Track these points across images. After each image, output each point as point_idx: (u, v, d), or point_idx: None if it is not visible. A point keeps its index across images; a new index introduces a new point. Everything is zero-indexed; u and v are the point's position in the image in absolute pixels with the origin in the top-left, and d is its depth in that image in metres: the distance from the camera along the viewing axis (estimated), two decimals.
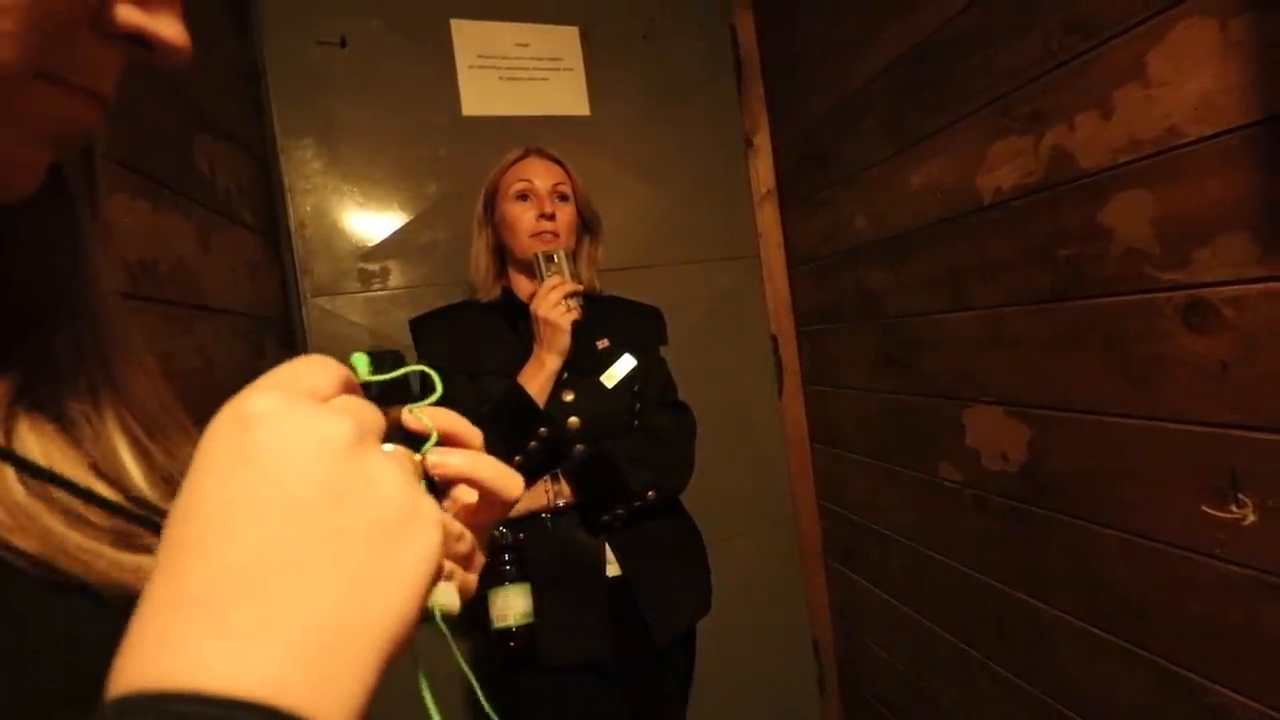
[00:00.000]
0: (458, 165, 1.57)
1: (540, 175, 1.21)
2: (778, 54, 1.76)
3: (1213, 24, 0.74)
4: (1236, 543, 0.78)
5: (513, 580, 1.07)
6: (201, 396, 0.93)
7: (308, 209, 1.47)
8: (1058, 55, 0.93)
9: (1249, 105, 0.72)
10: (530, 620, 1.08)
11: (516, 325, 1.21)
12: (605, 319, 1.26)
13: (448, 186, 1.56)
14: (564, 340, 1.12)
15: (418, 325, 1.23)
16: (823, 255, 1.65)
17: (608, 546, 1.18)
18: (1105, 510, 0.96)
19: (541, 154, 1.25)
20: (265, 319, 1.26)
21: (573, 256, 1.22)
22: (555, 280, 1.14)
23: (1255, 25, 0.70)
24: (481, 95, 1.59)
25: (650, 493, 1.16)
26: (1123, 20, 0.83)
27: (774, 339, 1.84)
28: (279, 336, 1.33)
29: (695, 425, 1.28)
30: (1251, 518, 0.76)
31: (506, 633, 1.06)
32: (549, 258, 1.16)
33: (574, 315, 1.13)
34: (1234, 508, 0.78)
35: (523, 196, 1.20)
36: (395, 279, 1.52)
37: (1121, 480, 0.93)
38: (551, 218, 1.19)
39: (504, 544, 1.09)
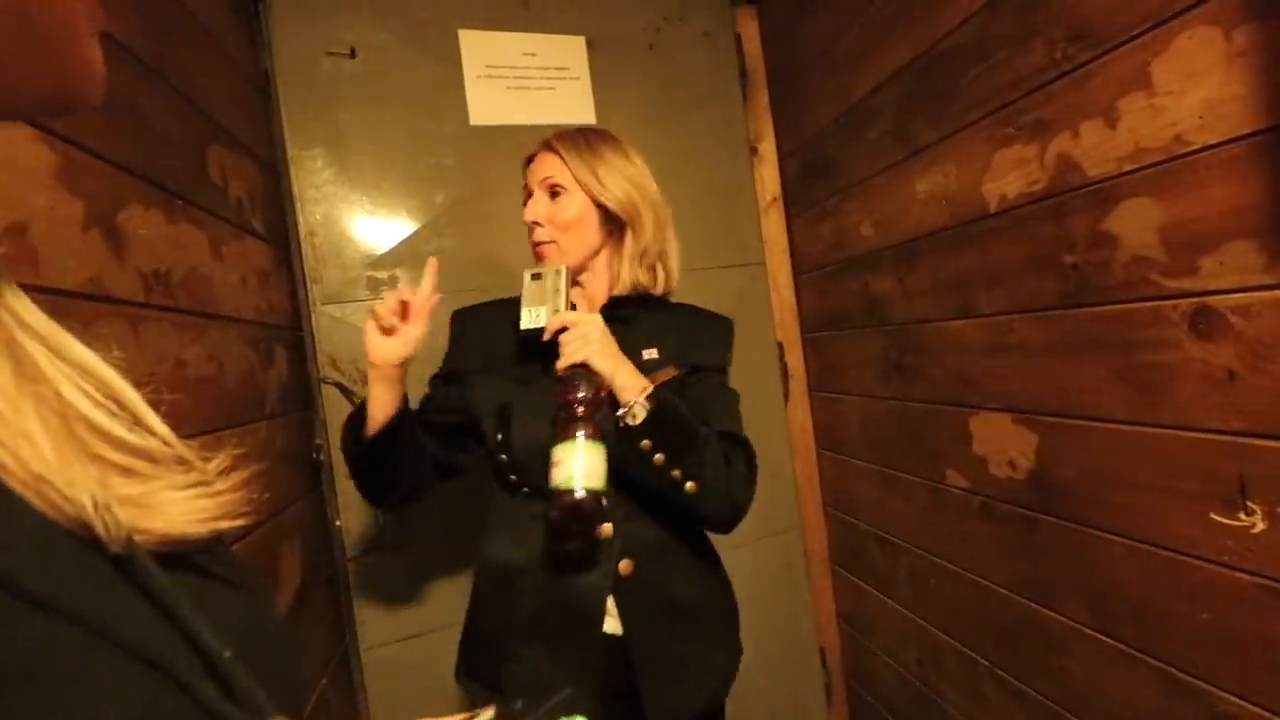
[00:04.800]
0: (465, 174, 1.58)
1: (536, 173, 1.05)
2: (783, 62, 1.77)
3: (1217, 33, 0.74)
4: (1245, 550, 0.78)
5: (588, 436, 0.88)
6: (213, 403, 0.95)
7: (317, 218, 1.48)
8: (1062, 64, 0.93)
9: (1254, 113, 0.72)
10: (603, 489, 0.87)
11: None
12: (659, 326, 1.08)
13: (455, 195, 1.57)
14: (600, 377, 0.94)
15: (454, 317, 1.18)
16: (828, 262, 1.66)
17: (611, 598, 0.99)
18: (1113, 517, 0.96)
19: (543, 145, 1.07)
20: (276, 327, 1.27)
21: (567, 272, 1.01)
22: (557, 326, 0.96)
23: (1260, 34, 0.71)
24: (489, 104, 1.61)
25: (689, 484, 0.95)
26: (1126, 30, 0.84)
27: (780, 346, 1.85)
28: (289, 344, 1.35)
29: (753, 472, 1.02)
30: (1260, 525, 0.76)
31: (567, 496, 0.86)
32: (535, 276, 1.00)
33: (569, 360, 0.94)
34: (1243, 515, 0.78)
35: (525, 203, 1.07)
36: (404, 287, 1.53)
37: (1129, 488, 0.92)
38: (537, 225, 1.04)
39: (580, 397, 0.89)
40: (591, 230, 1.06)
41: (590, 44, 1.69)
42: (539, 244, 1.06)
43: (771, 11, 1.79)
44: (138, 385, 0.30)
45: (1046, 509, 1.07)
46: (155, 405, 0.31)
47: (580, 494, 0.85)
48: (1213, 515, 0.81)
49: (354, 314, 1.49)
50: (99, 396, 0.28)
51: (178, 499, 0.28)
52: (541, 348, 0.99)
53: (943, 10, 1.14)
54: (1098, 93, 0.89)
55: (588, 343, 0.93)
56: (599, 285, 1.10)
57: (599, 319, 0.97)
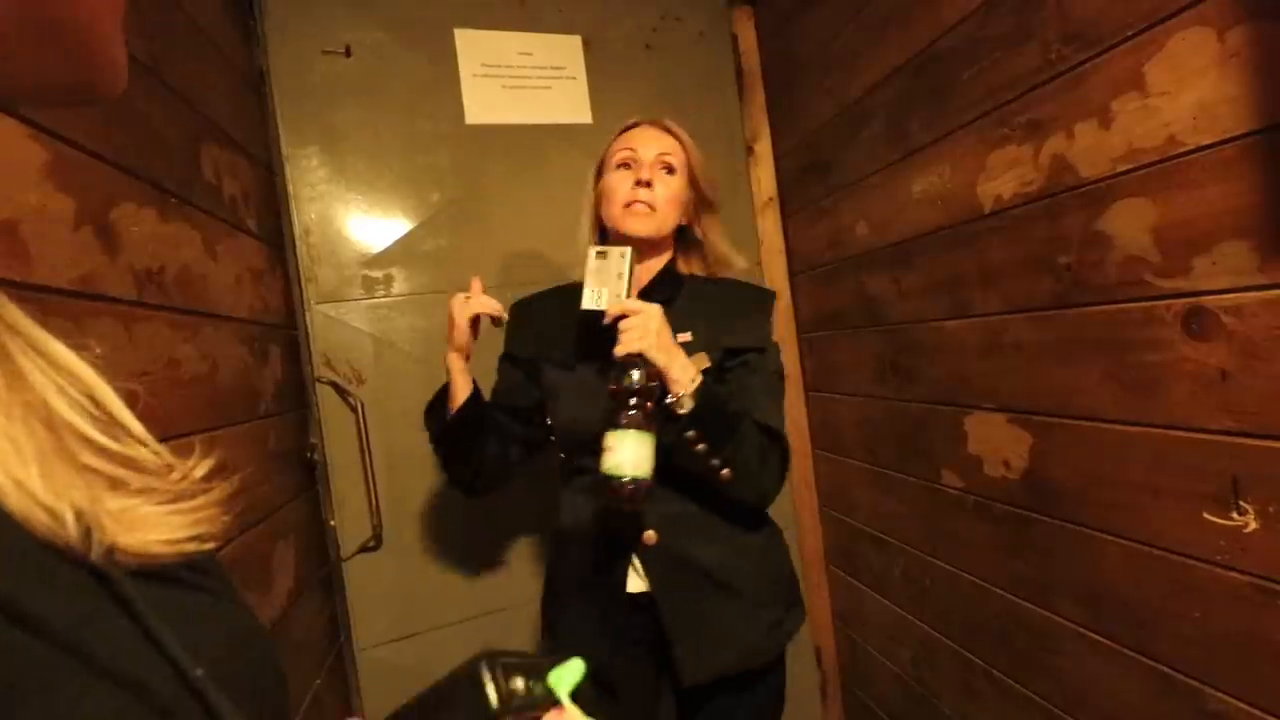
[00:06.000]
0: (461, 173, 1.58)
1: (645, 143, 1.10)
2: (779, 63, 1.77)
3: (1210, 34, 0.75)
4: (1238, 549, 0.79)
5: (637, 426, 0.92)
6: (208, 402, 0.94)
7: (312, 217, 1.48)
8: (1056, 65, 0.94)
9: (1247, 114, 0.72)
10: (647, 477, 0.92)
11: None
12: (696, 307, 1.10)
13: (451, 194, 1.57)
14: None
15: (513, 308, 1.21)
16: (824, 262, 1.66)
17: (636, 560, 1.06)
18: (1106, 517, 0.96)
19: (653, 123, 1.14)
20: (270, 326, 1.27)
21: (632, 255, 1.04)
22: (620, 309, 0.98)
23: (1253, 35, 0.71)
24: (485, 104, 1.61)
25: (725, 471, 1.00)
26: (1121, 31, 0.84)
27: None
28: (283, 343, 1.34)
29: (785, 464, 1.07)
30: (1253, 525, 0.77)
31: (614, 483, 0.92)
32: (600, 254, 1.01)
33: (627, 348, 0.96)
34: (1235, 515, 0.78)
35: (624, 165, 1.10)
36: (399, 286, 1.53)
37: (1123, 487, 0.93)
38: (648, 185, 1.07)
39: (634, 387, 0.93)
40: (685, 210, 1.14)
41: (586, 43, 1.69)
42: (638, 203, 1.08)
43: (768, 11, 1.79)
44: (129, 385, 0.30)
45: (1041, 509, 1.08)
46: (148, 405, 0.31)
47: (626, 481, 0.91)
48: (1205, 515, 0.82)
49: (349, 313, 1.49)
50: (87, 405, 0.27)
51: (158, 514, 0.27)
52: (589, 332, 1.05)
53: (938, 11, 1.15)
54: (1092, 94, 0.89)
55: (646, 334, 0.96)
56: (656, 263, 1.15)
57: (659, 310, 0.99)
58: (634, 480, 0.91)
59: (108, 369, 0.29)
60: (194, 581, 0.30)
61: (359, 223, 1.51)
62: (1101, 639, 0.99)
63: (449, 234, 1.57)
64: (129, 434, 0.29)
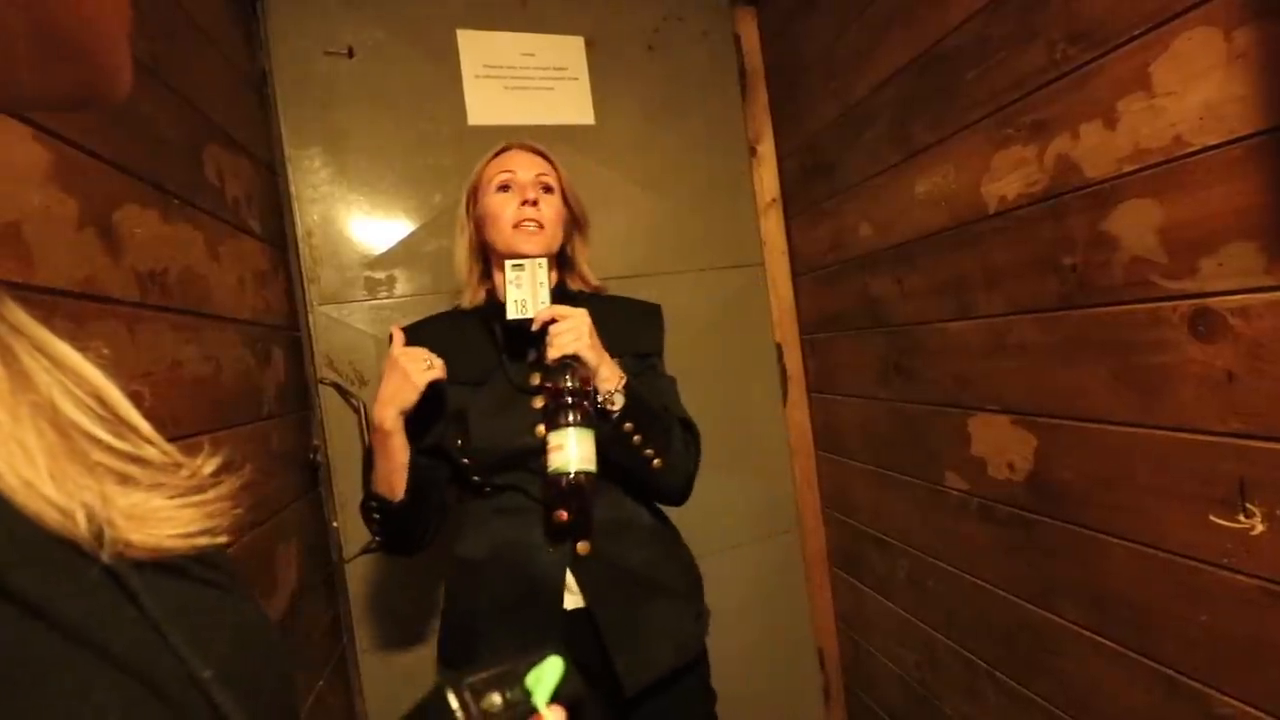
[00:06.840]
0: (463, 174, 1.55)
1: (522, 166, 1.14)
2: (782, 63, 1.77)
3: (1217, 34, 0.74)
4: (1245, 552, 0.78)
5: (579, 424, 0.96)
6: (211, 404, 0.94)
7: (315, 218, 1.47)
8: (1061, 65, 0.93)
9: (1254, 115, 0.72)
10: (594, 470, 0.96)
11: (495, 331, 1.12)
12: (597, 318, 1.10)
13: (453, 195, 1.56)
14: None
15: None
16: (827, 263, 1.66)
17: (570, 574, 1.05)
18: (1112, 520, 0.95)
19: (524, 146, 1.18)
20: (273, 327, 1.27)
21: (555, 262, 1.12)
22: (556, 320, 1.02)
23: (1260, 35, 0.71)
24: (487, 105, 1.60)
25: (656, 461, 1.05)
26: (1126, 30, 0.84)
27: (778, 347, 1.84)
28: (286, 344, 1.34)
29: (699, 450, 1.15)
30: (1260, 527, 0.76)
31: (564, 479, 0.94)
32: (517, 266, 1.05)
33: (561, 351, 1.00)
34: (1242, 517, 0.78)
35: (504, 188, 1.12)
36: (401, 287, 1.53)
37: (1128, 490, 0.92)
38: (534, 204, 1.10)
39: (573, 387, 0.97)
40: (565, 227, 1.17)
41: (589, 44, 1.69)
42: (528, 221, 1.10)
43: (770, 11, 1.79)
44: (132, 386, 0.30)
45: (1045, 511, 1.07)
46: (151, 406, 0.31)
47: (574, 476, 0.94)
48: (1212, 517, 0.81)
49: (351, 314, 1.49)
50: (93, 405, 0.28)
51: (170, 508, 0.28)
52: (508, 343, 1.10)
53: (942, 11, 1.14)
54: (1097, 94, 0.89)
55: (579, 336, 1.00)
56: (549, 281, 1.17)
57: (586, 314, 1.03)
58: (584, 474, 0.95)
59: (112, 370, 0.29)
60: (202, 575, 0.30)
61: (361, 224, 1.51)
62: (1106, 642, 0.99)
63: (451, 235, 1.56)
64: (137, 433, 0.29)
